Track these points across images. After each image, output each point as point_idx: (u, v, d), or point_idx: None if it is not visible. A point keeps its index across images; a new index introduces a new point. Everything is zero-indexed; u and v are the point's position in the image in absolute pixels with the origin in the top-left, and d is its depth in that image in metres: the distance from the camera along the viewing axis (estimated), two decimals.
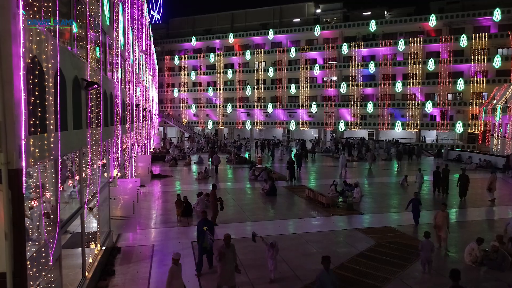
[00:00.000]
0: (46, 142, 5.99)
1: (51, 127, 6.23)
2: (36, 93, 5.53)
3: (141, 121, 25.91)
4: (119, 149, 15.06)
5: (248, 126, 64.15)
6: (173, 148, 45.79)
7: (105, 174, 13.17)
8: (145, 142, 31.56)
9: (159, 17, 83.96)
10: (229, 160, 35.10)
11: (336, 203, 19.13)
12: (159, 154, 36.38)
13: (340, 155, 32.48)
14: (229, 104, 64.92)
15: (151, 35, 44.58)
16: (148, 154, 34.56)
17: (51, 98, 6.20)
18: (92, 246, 10.43)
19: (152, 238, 13.93)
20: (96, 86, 8.72)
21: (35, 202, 6.92)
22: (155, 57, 53.77)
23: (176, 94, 69.47)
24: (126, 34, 17.45)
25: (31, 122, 5.43)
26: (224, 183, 25.01)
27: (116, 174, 14.37)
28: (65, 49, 7.32)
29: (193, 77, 67.95)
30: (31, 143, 5.42)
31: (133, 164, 20.67)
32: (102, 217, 11.65)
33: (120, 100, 14.68)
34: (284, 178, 26.07)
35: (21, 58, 5.01)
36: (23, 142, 5.07)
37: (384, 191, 22.73)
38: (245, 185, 24.24)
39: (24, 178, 5.08)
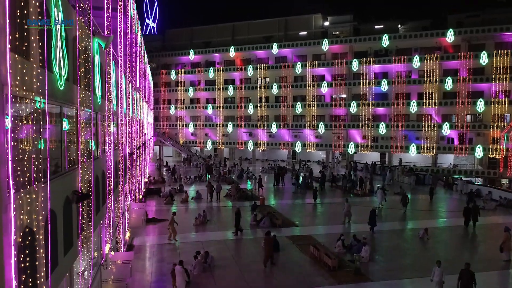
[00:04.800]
0: None
1: (42, 280, 6.56)
2: (28, 267, 5.85)
3: (135, 164, 26.29)
4: (112, 218, 15.40)
5: (250, 147, 64.54)
6: (169, 175, 45.93)
7: (95, 254, 13.52)
8: (139, 178, 31.94)
9: (155, 26, 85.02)
10: (229, 195, 35.09)
11: (343, 263, 19.33)
12: (154, 189, 36.73)
13: (378, 191, 31.30)
14: (230, 122, 65.42)
15: (146, 55, 45.17)
16: (142, 189, 34.98)
17: (42, 251, 6.54)
18: None
19: None
20: (87, 198, 9.08)
21: None
22: (150, 77, 54.33)
23: (172, 111, 70.05)
24: (119, 89, 17.89)
25: None
26: (223, 231, 25.12)
27: (109, 249, 14.70)
28: (55, 182, 7.68)
29: (191, 93, 68.55)
30: None
31: (126, 218, 21.01)
32: None
33: (113, 167, 15.04)
34: (289, 224, 26.35)
35: (12, 247, 5.35)
36: None
37: (396, 243, 22.75)
38: (245, 235, 24.35)
39: None
